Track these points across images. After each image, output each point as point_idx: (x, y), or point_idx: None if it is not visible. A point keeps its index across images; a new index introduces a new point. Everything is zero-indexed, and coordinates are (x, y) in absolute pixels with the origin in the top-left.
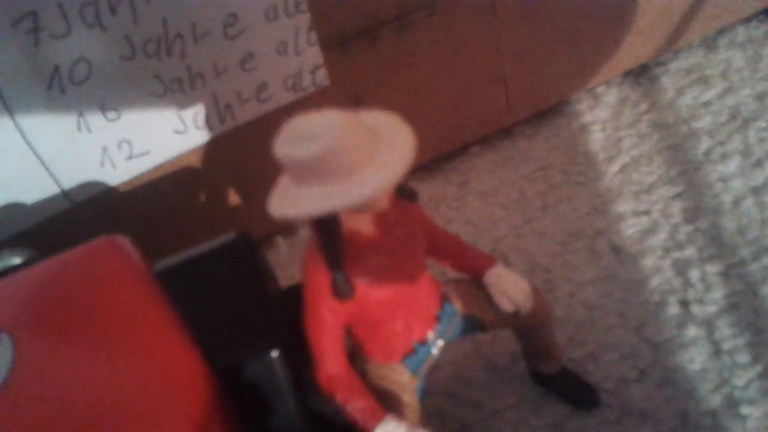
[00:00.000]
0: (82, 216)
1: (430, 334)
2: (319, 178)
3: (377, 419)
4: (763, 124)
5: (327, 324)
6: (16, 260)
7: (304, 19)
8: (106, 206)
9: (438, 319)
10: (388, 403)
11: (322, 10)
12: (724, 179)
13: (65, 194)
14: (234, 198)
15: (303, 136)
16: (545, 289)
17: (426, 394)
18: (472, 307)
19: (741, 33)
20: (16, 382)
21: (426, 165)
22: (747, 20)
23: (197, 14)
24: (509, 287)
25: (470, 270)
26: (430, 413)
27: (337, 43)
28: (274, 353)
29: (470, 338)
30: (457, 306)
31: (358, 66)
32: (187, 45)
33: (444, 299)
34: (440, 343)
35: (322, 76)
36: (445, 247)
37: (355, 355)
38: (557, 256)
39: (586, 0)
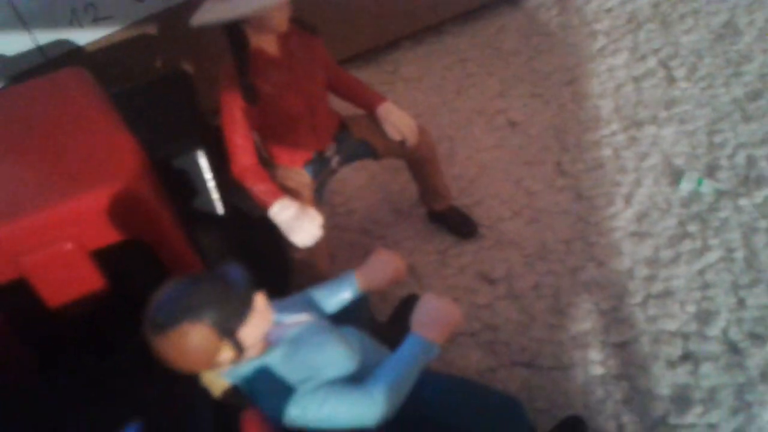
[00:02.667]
0: (53, 71)
1: (329, 148)
2: None
3: (276, 197)
4: (653, 26)
5: (238, 123)
6: None
7: None
8: (75, 63)
9: (336, 138)
10: (292, 197)
11: None
12: (611, 69)
13: (40, 49)
14: (184, 60)
15: None
16: (449, 153)
17: (323, 196)
18: (366, 134)
19: None
20: None
21: (362, 55)
22: None
23: None
24: (397, 120)
25: (365, 104)
26: (343, 244)
27: None
28: (200, 151)
29: (381, 188)
30: (354, 131)
31: None
32: None
33: (342, 124)
34: (337, 158)
35: None
36: (343, 82)
37: (266, 161)
38: (462, 129)
39: None
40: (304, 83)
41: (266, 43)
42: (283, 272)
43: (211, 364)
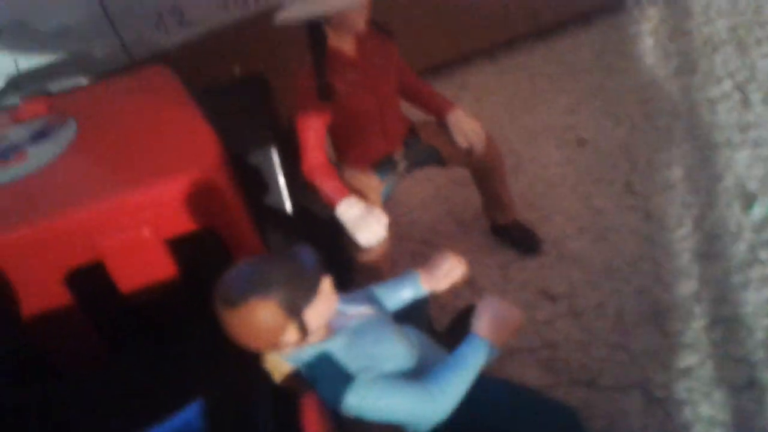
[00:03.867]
0: None
1: (397, 152)
2: None
3: (343, 195)
4: (729, 50)
5: (312, 121)
6: (84, 82)
7: None
8: (159, 63)
9: (405, 143)
10: (358, 197)
11: None
12: (686, 90)
13: (126, 49)
14: (263, 63)
15: None
16: (516, 169)
17: (389, 200)
18: (435, 140)
19: None
20: (76, 148)
21: (433, 68)
22: None
23: None
24: (466, 127)
25: (435, 110)
26: (405, 253)
27: None
28: (273, 148)
29: (445, 200)
30: (422, 137)
31: None
32: None
33: (412, 130)
34: (405, 163)
35: None
36: (415, 87)
37: (336, 162)
38: (530, 145)
39: None
40: (377, 84)
41: (344, 43)
42: (345, 275)
43: (276, 343)
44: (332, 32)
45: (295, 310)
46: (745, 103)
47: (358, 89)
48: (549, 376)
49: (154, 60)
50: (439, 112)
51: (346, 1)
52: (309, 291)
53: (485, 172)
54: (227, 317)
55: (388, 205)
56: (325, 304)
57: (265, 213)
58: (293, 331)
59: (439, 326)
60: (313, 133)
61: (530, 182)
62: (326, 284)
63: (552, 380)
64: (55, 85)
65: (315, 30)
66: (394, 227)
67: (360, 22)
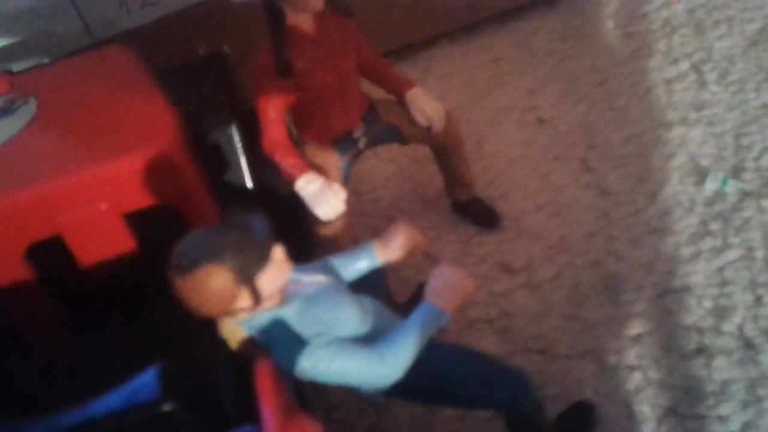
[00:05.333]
0: None
1: (357, 128)
2: None
3: (303, 171)
4: (687, 32)
5: (272, 98)
6: (46, 62)
7: None
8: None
9: (364, 119)
10: (317, 173)
11: None
12: (643, 72)
13: (89, 30)
14: (224, 42)
15: None
16: (477, 148)
17: (349, 175)
18: (394, 118)
19: None
20: (36, 125)
21: (397, 51)
22: None
23: None
24: (425, 105)
25: (395, 88)
26: (367, 230)
27: None
28: (234, 126)
29: (408, 179)
30: (382, 114)
31: None
32: None
33: (371, 107)
34: (365, 139)
35: None
36: (374, 65)
37: (296, 139)
38: (491, 124)
39: None
40: (336, 61)
41: (302, 21)
42: (307, 249)
43: (230, 309)
44: (290, 10)
45: (246, 277)
46: (701, 83)
47: (316, 66)
48: (505, 345)
49: (116, 40)
50: (398, 90)
51: None
52: (261, 258)
53: (445, 150)
54: (180, 284)
55: (351, 182)
56: (277, 271)
57: (227, 189)
58: (246, 297)
59: (401, 299)
60: (273, 110)
61: (491, 160)
62: (278, 252)
63: (508, 349)
64: (18, 65)
65: (273, 8)
66: (357, 205)
67: (318, 2)
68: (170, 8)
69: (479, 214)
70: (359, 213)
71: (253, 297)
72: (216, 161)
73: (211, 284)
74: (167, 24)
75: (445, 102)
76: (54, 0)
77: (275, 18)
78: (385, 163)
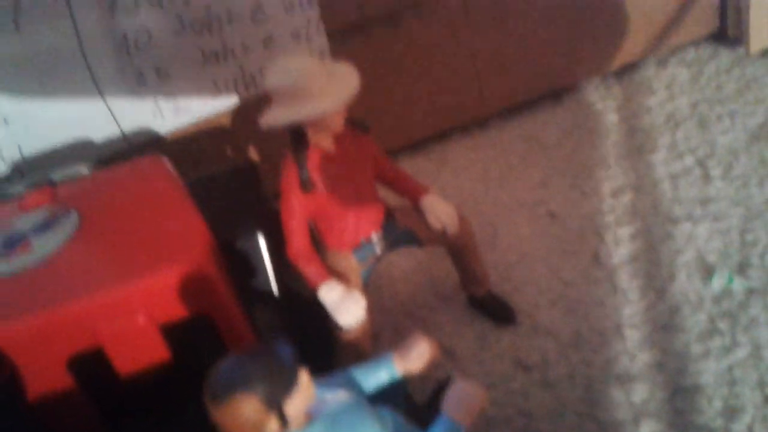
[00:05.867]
0: (135, 157)
1: (374, 236)
2: (292, 99)
3: (324, 279)
4: (691, 126)
5: (295, 210)
6: (84, 170)
7: (314, 13)
8: (155, 150)
9: (382, 227)
10: (339, 280)
11: (329, 7)
12: (649, 166)
13: (124, 136)
14: (252, 152)
15: (284, 69)
16: (490, 241)
17: (369, 280)
18: (410, 223)
19: (690, 53)
20: (78, 239)
21: (412, 145)
22: (696, 43)
23: (233, 2)
24: (439, 211)
25: (410, 194)
26: (387, 325)
27: (340, 33)
28: (260, 235)
29: (426, 273)
30: (399, 220)
31: (356, 53)
32: (223, 26)
33: (388, 213)
34: (382, 245)
35: (327, 59)
36: (390, 174)
37: (318, 246)
38: (504, 218)
39: (550, 10)
40: (354, 176)
41: (322, 140)
42: (329, 350)
43: None
44: (312, 131)
45: (275, 404)
46: (706, 177)
47: (336, 180)
48: None
49: (150, 145)
50: (414, 196)
51: (325, 107)
52: (288, 384)
53: (459, 250)
54: (215, 411)
55: (371, 281)
56: (303, 395)
57: (254, 295)
58: (274, 422)
59: (420, 395)
60: (296, 222)
61: (504, 254)
62: (304, 377)
63: None
64: (57, 173)
65: (296, 130)
66: (377, 300)
67: (338, 124)
68: (202, 113)
69: (494, 310)
70: (379, 309)
71: (280, 421)
72: (244, 269)
73: (242, 412)
74: (199, 129)
75: (460, 194)
76: (92, 108)
77: (298, 139)
78: (403, 257)
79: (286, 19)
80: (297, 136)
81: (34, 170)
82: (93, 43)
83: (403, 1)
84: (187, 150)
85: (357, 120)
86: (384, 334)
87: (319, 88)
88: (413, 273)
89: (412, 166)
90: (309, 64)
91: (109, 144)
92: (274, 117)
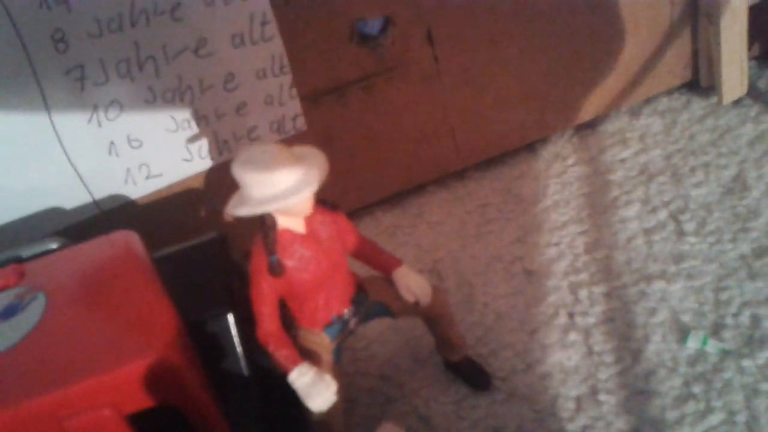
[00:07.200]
0: (106, 222)
1: (346, 311)
2: (259, 188)
3: (296, 363)
4: (664, 179)
5: (265, 294)
6: (54, 245)
7: (286, 79)
8: (127, 215)
9: (353, 301)
10: (311, 359)
11: (301, 71)
12: (623, 221)
13: (95, 203)
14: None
15: (250, 161)
16: (467, 300)
17: (341, 356)
18: (382, 295)
19: (663, 103)
20: (44, 326)
21: (389, 198)
22: (669, 92)
23: (204, 72)
24: (411, 283)
25: (383, 267)
26: (363, 390)
27: (312, 97)
28: (230, 316)
29: (402, 334)
30: (370, 293)
31: (330, 116)
32: (195, 95)
33: (359, 287)
34: (354, 320)
35: (301, 123)
36: (363, 249)
37: (289, 323)
38: (481, 275)
39: (522, 64)
40: (325, 255)
41: (292, 224)
42: (302, 429)
43: None
44: (281, 217)
45: None
46: (680, 233)
47: (307, 262)
48: None
49: (121, 211)
50: (385, 268)
51: (292, 199)
52: None
53: (434, 319)
54: None
55: (346, 347)
56: None
57: (223, 378)
58: None
59: None
60: (266, 305)
61: (481, 314)
62: None
63: None
64: (25, 250)
65: (264, 216)
66: (353, 362)
67: (306, 209)
68: (174, 178)
69: (471, 376)
70: (355, 372)
71: None
72: (213, 350)
73: None
74: (172, 192)
75: (437, 249)
76: (63, 177)
77: (267, 225)
78: (380, 319)
79: (258, 86)
80: (265, 223)
81: (1, 244)
82: (62, 114)
83: (376, 64)
84: (159, 214)
85: (326, 200)
86: (360, 399)
87: (286, 179)
88: (390, 333)
89: (388, 220)
90: (277, 155)
91: (80, 210)
92: (240, 209)
